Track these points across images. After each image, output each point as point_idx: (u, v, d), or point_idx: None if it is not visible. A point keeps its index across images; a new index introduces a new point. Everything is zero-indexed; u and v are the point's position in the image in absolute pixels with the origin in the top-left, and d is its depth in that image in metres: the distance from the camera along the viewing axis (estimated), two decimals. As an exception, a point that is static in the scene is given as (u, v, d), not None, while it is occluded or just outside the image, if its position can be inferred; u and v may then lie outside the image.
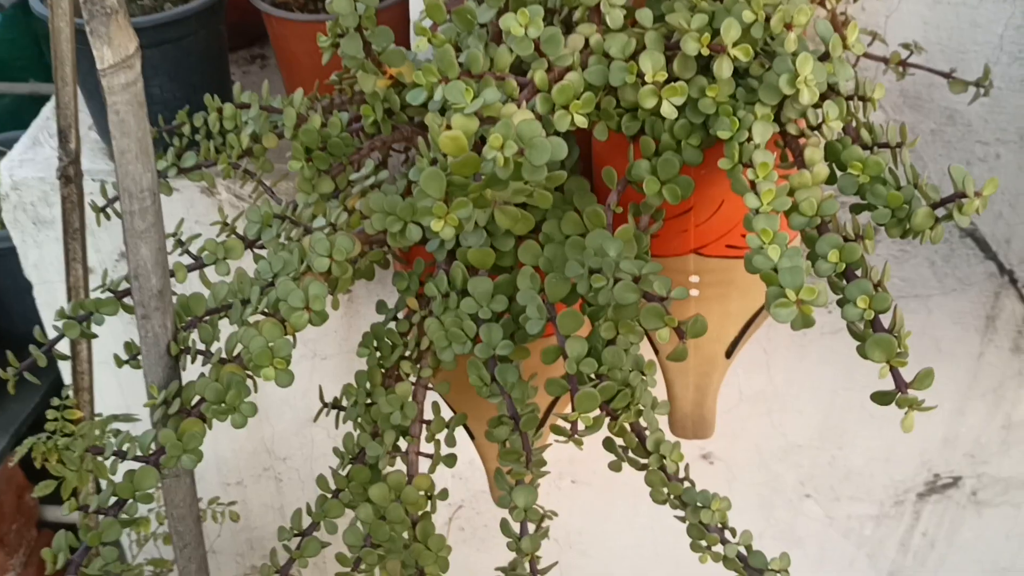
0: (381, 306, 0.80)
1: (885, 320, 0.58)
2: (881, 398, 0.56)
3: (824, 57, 0.66)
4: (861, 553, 1.49)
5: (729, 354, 0.92)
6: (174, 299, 0.72)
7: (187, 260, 0.83)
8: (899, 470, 1.39)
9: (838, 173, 0.67)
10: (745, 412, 1.34)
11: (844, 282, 0.59)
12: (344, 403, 0.80)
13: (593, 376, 0.65)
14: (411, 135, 0.87)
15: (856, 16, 0.97)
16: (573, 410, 0.63)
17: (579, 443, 0.63)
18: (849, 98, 0.70)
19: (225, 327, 0.74)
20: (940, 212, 0.62)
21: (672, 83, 0.63)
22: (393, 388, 0.75)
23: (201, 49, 1.07)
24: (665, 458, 0.75)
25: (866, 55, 0.94)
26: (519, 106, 0.62)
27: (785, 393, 1.31)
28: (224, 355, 0.69)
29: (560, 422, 0.63)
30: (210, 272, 0.83)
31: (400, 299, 0.79)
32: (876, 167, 0.64)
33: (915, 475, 1.39)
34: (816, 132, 0.66)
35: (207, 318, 0.71)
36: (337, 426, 0.86)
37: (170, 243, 0.84)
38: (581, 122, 0.63)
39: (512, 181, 0.55)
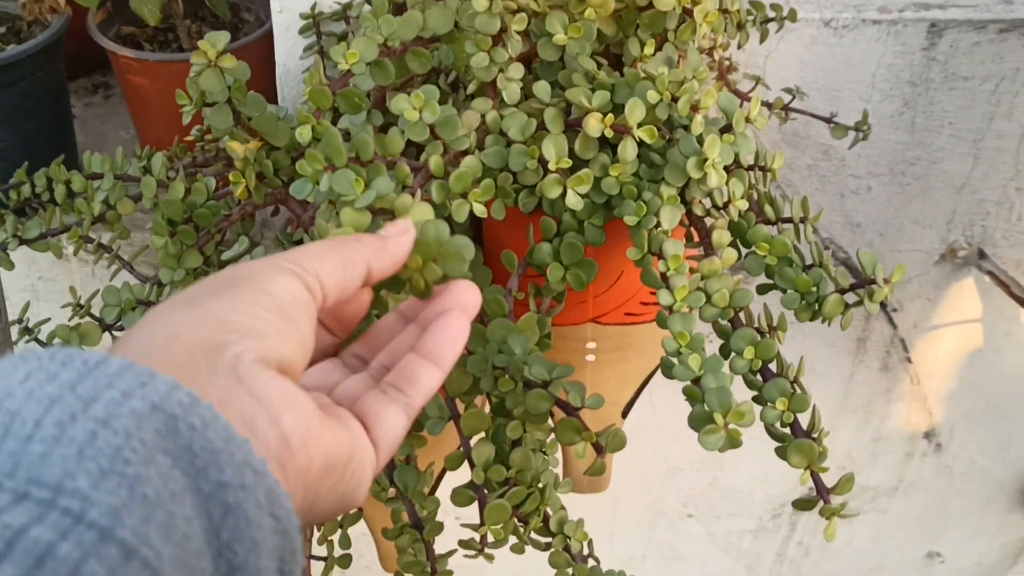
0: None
1: (803, 418, 0.56)
2: (803, 505, 0.55)
3: (726, 129, 0.64)
4: (740, 565, 1.52)
5: (625, 414, 0.90)
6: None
7: (35, 347, 0.75)
8: (776, 486, 1.41)
9: (742, 250, 0.65)
10: (628, 441, 1.33)
11: (760, 380, 0.57)
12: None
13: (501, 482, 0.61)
14: (284, 197, 0.80)
15: (736, 58, 0.95)
16: (481, 523, 0.59)
17: (490, 557, 0.59)
18: (749, 168, 0.68)
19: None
20: (850, 297, 0.61)
21: (576, 171, 0.59)
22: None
23: (38, 92, 0.96)
24: (570, 538, 0.72)
25: (747, 98, 0.94)
26: (413, 194, 0.57)
27: (667, 421, 1.31)
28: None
29: (468, 534, 0.59)
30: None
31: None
32: (782, 247, 0.62)
33: (791, 490, 1.42)
34: (722, 211, 0.64)
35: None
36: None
37: (15, 331, 0.75)
38: (480, 211, 0.58)
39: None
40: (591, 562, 0.74)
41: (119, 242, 0.84)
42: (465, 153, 0.60)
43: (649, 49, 0.69)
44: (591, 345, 0.79)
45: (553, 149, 0.59)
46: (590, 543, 0.76)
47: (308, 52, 0.90)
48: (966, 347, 1.25)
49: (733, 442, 0.51)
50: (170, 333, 0.36)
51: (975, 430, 1.36)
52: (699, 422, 0.51)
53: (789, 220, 0.66)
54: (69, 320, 0.77)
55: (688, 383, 0.54)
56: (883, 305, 1.24)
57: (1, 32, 1.03)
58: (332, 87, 0.59)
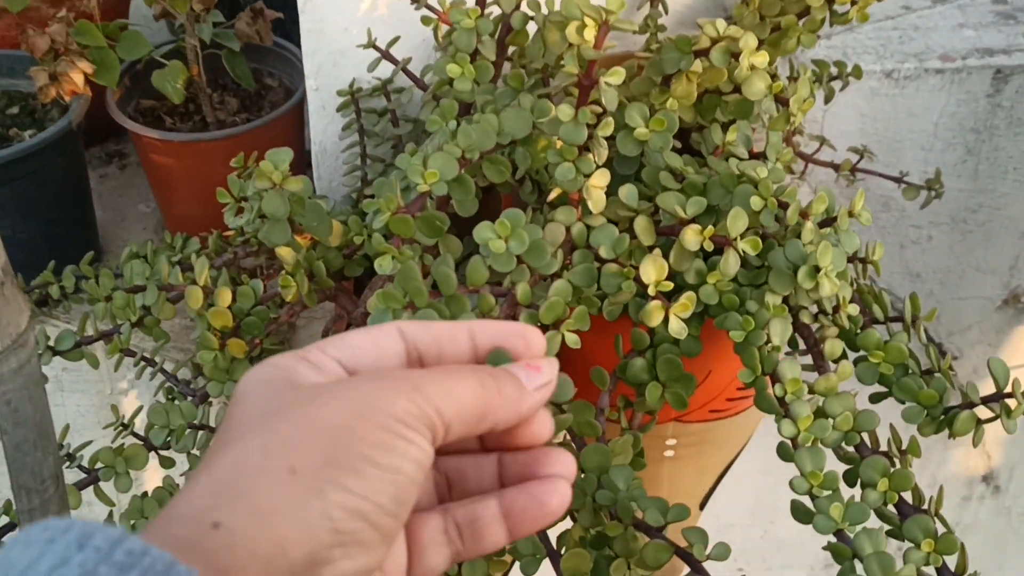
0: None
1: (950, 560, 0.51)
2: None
3: (825, 223, 0.59)
4: (791, 617, 1.47)
5: (703, 506, 0.85)
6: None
7: (76, 474, 0.69)
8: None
9: (849, 355, 0.60)
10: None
11: (894, 513, 0.52)
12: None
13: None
14: (333, 294, 0.75)
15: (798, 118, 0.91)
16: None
17: None
18: (849, 260, 0.63)
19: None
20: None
21: (678, 295, 0.54)
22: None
23: (59, 179, 0.91)
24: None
25: (813, 161, 0.89)
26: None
27: (718, 477, 1.26)
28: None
29: None
30: (108, 488, 0.70)
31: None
32: (899, 354, 0.57)
33: (844, 538, 1.37)
34: (831, 317, 0.59)
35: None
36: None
37: (57, 460, 0.69)
38: (573, 341, 0.53)
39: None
40: None
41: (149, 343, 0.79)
42: (553, 275, 0.55)
43: (732, 135, 0.64)
44: (671, 442, 0.74)
45: (653, 271, 0.53)
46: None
47: (348, 131, 0.84)
48: (1026, 390, 1.21)
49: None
50: (276, 540, 0.30)
51: (1036, 471, 1.31)
52: (855, 592, 0.46)
53: (899, 319, 0.61)
54: (113, 441, 0.72)
55: (832, 538, 0.48)
56: (942, 354, 1.20)
57: (14, 113, 0.98)
58: (410, 210, 0.54)
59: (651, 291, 0.54)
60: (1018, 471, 1.31)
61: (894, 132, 0.96)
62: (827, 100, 0.85)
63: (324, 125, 0.87)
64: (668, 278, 0.57)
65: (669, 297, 0.55)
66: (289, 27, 1.01)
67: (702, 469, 0.77)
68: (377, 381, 0.34)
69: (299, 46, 1.02)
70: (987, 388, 1.05)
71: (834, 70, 0.84)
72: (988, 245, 1.05)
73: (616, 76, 0.55)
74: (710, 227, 0.55)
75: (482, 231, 0.52)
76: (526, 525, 0.37)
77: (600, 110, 0.56)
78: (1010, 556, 1.41)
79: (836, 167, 0.88)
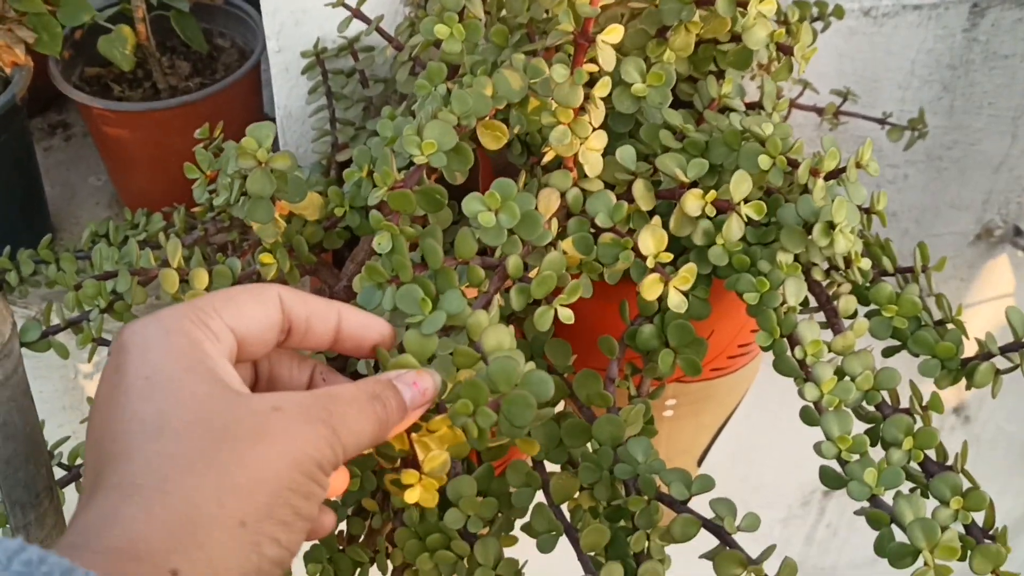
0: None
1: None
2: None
3: (831, 175, 0.57)
4: (769, 552, 1.48)
5: (700, 462, 0.84)
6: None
7: (56, 471, 0.66)
8: (807, 474, 1.37)
9: (860, 310, 0.59)
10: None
11: (920, 471, 0.51)
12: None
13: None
14: (314, 269, 0.72)
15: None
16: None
17: None
18: (854, 213, 0.61)
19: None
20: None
21: (671, 250, 0.52)
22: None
23: (5, 157, 0.86)
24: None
25: (796, 105, 0.87)
26: (487, 305, 0.50)
27: (697, 424, 1.26)
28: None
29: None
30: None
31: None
32: (912, 307, 0.56)
33: (821, 475, 1.39)
34: (843, 273, 0.57)
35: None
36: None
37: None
38: (567, 317, 0.51)
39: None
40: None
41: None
42: (547, 247, 0.52)
43: (727, 87, 0.62)
44: (671, 402, 0.73)
45: (651, 242, 0.51)
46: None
47: (315, 95, 0.80)
48: (997, 321, 1.22)
49: (940, 576, 0.45)
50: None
51: (1003, 399, 1.33)
52: (898, 558, 0.45)
53: (908, 270, 0.60)
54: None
55: (867, 504, 0.47)
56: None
57: (-50, 88, 0.92)
58: (407, 184, 0.50)
59: (649, 263, 0.51)
60: (987, 401, 1.32)
61: (872, 71, 0.94)
62: (811, 43, 0.82)
63: (288, 89, 0.83)
64: (670, 242, 0.54)
65: (667, 267, 0.53)
66: (240, -16, 0.96)
67: (700, 426, 0.75)
68: (305, 422, 0.36)
69: (252, 4, 0.97)
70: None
71: (815, 11, 0.81)
72: (962, 182, 1.05)
73: (614, 34, 0.52)
74: (712, 192, 0.53)
75: (471, 203, 0.49)
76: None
77: (595, 69, 0.53)
78: (979, 481, 1.43)
79: (818, 110, 0.86)
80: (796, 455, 1.34)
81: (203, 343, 0.37)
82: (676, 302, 0.52)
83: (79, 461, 0.66)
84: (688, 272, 0.52)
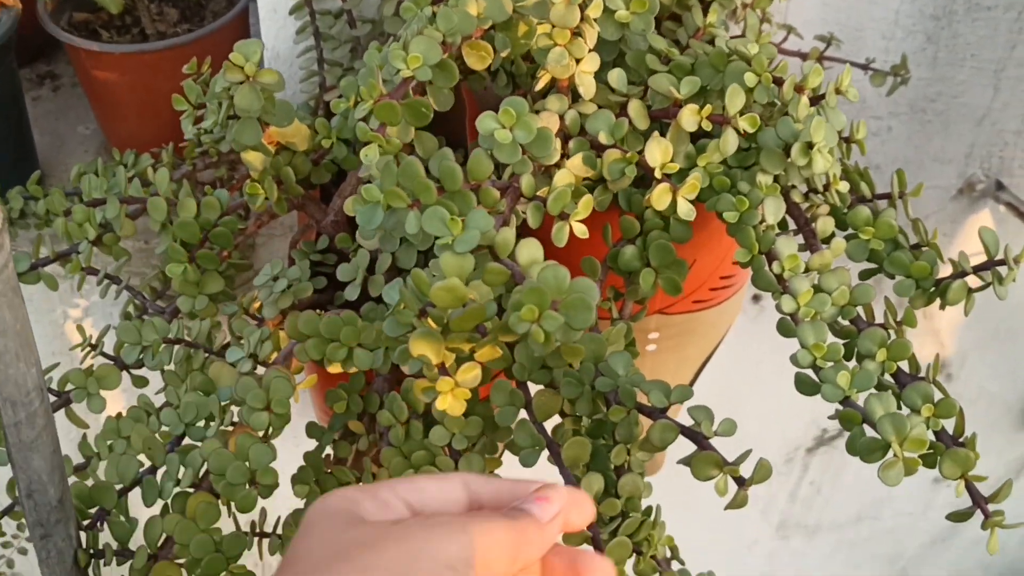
0: (313, 429, 0.66)
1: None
2: (959, 517, 0.50)
3: (813, 102, 0.58)
4: (754, 510, 1.50)
5: (684, 399, 0.85)
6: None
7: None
8: (790, 430, 1.39)
9: (838, 233, 0.60)
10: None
11: (893, 382, 0.53)
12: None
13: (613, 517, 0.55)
14: (301, 203, 0.73)
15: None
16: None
17: (616, 599, 0.54)
18: (833, 141, 0.62)
19: (136, 503, 0.59)
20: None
21: (683, 174, 0.53)
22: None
23: (-6, 99, 0.86)
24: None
25: (781, 50, 0.88)
26: (507, 223, 0.51)
27: (682, 377, 1.27)
28: (149, 550, 0.55)
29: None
30: (81, 409, 0.67)
31: (335, 418, 0.66)
32: (888, 229, 0.57)
33: (805, 432, 1.40)
34: (821, 195, 0.58)
35: (114, 508, 0.56)
36: (261, 557, 0.73)
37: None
38: (581, 231, 0.52)
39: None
40: (676, 565, 0.70)
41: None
42: (556, 167, 0.53)
43: (712, 17, 0.63)
44: (653, 335, 0.74)
45: (659, 153, 0.52)
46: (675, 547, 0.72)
47: (302, 35, 0.81)
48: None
49: (910, 471, 0.46)
50: None
51: (985, 357, 1.35)
52: (868, 452, 0.46)
53: (886, 195, 0.61)
54: (81, 363, 0.69)
55: (839, 405, 0.48)
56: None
57: (-61, 30, 0.92)
58: (394, 96, 0.51)
59: (657, 174, 0.52)
60: (969, 358, 1.34)
61: (856, 20, 0.95)
62: (793, -15, 0.84)
63: (276, 30, 0.84)
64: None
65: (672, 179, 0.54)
66: (229, -71, 0.96)
67: (683, 360, 0.77)
68: (430, 527, 0.36)
69: (241, -51, 0.97)
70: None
71: (799, -45, 0.82)
72: (946, 134, 1.06)
73: (602, -47, 0.53)
74: (708, 106, 0.54)
75: (486, 121, 0.50)
76: None
77: (584, -11, 0.54)
78: (961, 441, 1.45)
79: (803, 56, 0.87)
80: (779, 412, 1.37)
81: (364, 503, 0.37)
82: (685, 210, 0.53)
83: (69, 387, 0.67)
84: (696, 180, 0.53)
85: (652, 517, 0.59)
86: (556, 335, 0.44)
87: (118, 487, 0.57)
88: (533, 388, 0.62)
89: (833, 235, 0.58)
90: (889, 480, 0.46)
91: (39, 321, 1.00)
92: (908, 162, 1.08)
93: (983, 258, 0.59)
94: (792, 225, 0.59)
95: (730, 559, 1.55)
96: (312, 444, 0.66)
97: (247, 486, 0.54)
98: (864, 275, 0.59)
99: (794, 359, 0.51)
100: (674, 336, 0.74)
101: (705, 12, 0.64)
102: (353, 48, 0.82)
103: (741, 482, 0.49)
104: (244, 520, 0.71)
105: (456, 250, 0.46)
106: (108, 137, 1.00)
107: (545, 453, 0.59)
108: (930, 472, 1.56)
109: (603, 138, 0.54)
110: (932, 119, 1.04)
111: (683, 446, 0.67)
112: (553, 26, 0.52)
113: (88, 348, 0.69)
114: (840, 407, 0.49)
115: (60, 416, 0.68)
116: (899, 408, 0.53)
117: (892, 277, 0.57)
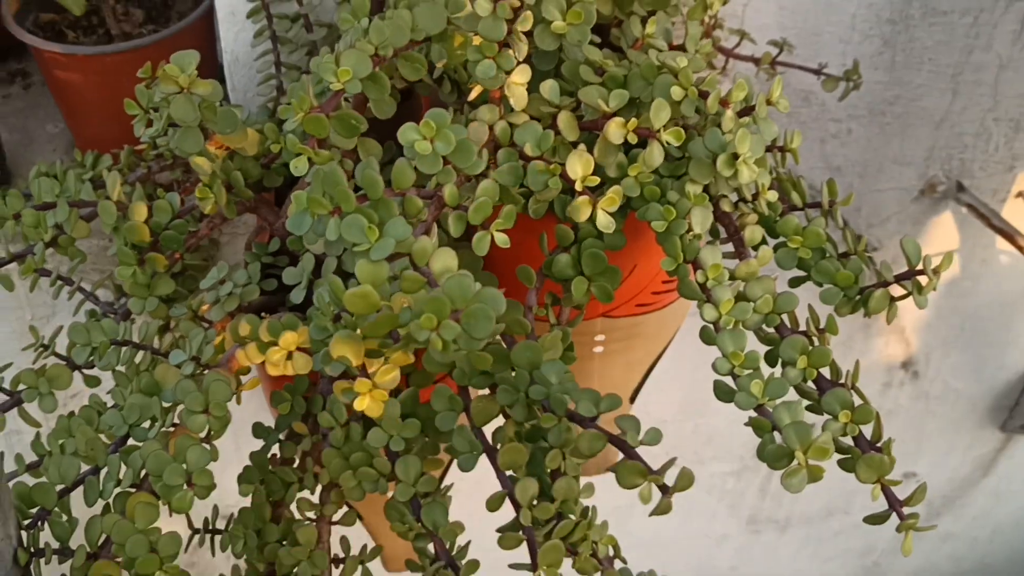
0: (259, 430, 0.68)
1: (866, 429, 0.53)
2: (875, 520, 0.52)
3: (744, 112, 0.59)
4: (723, 505, 1.52)
5: (633, 399, 0.87)
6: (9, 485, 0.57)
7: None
8: (758, 427, 1.41)
9: (768, 241, 0.61)
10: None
11: (814, 389, 0.54)
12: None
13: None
14: (254, 205, 0.74)
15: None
16: (535, 566, 0.55)
17: (544, 600, 0.55)
18: (768, 149, 0.64)
19: (78, 503, 0.60)
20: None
21: (603, 189, 0.54)
22: (292, 531, 0.65)
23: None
24: (596, 543, 0.69)
25: (734, 55, 0.89)
26: (428, 231, 0.52)
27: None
28: (88, 549, 0.56)
29: (517, 576, 0.56)
30: (32, 409, 0.68)
31: (280, 419, 0.67)
32: (816, 238, 0.59)
33: (772, 429, 1.42)
34: (750, 204, 0.59)
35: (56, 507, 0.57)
36: (213, 554, 0.74)
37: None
38: (503, 241, 0.53)
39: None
40: (618, 563, 0.71)
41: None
42: (480, 176, 0.54)
43: (651, 28, 0.64)
44: (600, 338, 0.75)
45: (579, 166, 0.53)
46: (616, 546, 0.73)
47: (260, 39, 0.82)
48: (943, 278, 1.25)
49: (814, 478, 0.47)
50: None
51: (950, 355, 1.36)
52: (775, 459, 0.48)
53: (817, 205, 0.62)
54: (34, 363, 0.70)
55: (753, 413, 0.50)
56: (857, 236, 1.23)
57: (-96, 31, 0.93)
58: (324, 110, 0.52)
59: (578, 186, 0.54)
60: (934, 356, 1.36)
61: (812, 25, 0.96)
62: (746, -8, 0.85)
63: (235, 33, 0.85)
64: (593, 173, 0.57)
65: (594, 192, 0.55)
66: (193, -68, 0.97)
67: (631, 363, 0.78)
68: None
69: (204, -49, 0.98)
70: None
71: (751, -39, 0.83)
72: (905, 137, 1.07)
73: (533, -32, 0.54)
74: (633, 119, 0.55)
75: (407, 132, 0.51)
76: None
77: (517, 4, 0.55)
78: (928, 436, 1.47)
79: (757, 61, 0.88)
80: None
81: None
82: (604, 222, 0.54)
83: (20, 387, 0.68)
84: (615, 194, 0.54)
85: (588, 518, 0.60)
86: (460, 343, 0.45)
87: (60, 487, 0.58)
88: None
89: (763, 243, 0.59)
90: (792, 487, 0.47)
91: (6, 319, 1.01)
92: (868, 164, 1.09)
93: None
94: (723, 234, 0.60)
95: (700, 554, 1.57)
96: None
97: (184, 487, 0.55)
98: (793, 283, 0.61)
99: (714, 366, 0.52)
100: (621, 339, 0.76)
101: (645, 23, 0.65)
102: (310, 52, 0.83)
103: (665, 490, 0.51)
104: (198, 517, 0.73)
105: (371, 257, 0.47)
106: (75, 137, 1.01)
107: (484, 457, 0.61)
108: (901, 467, 1.59)
109: (529, 149, 0.55)
110: (891, 121, 1.05)
111: (668, 442, 0.68)
112: (483, 39, 0.53)
113: (41, 348, 0.70)
114: (754, 414, 0.50)
115: (13, 415, 0.70)
116: (821, 414, 0.54)
117: (820, 285, 0.59)
